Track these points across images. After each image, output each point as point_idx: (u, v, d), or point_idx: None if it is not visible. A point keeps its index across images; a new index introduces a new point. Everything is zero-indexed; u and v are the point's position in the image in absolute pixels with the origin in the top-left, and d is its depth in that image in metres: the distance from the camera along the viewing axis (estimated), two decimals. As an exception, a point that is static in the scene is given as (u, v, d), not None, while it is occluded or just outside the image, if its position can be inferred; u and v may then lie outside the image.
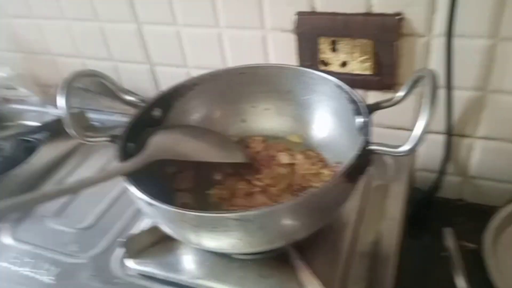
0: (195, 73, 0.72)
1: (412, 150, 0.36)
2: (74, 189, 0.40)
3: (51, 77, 0.87)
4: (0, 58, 0.89)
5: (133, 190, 0.38)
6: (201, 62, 0.73)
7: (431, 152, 0.66)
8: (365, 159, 0.39)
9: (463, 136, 0.63)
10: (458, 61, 0.55)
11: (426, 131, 0.36)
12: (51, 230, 0.57)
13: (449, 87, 0.57)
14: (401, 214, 0.51)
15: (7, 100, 0.85)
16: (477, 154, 0.64)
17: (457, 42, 0.54)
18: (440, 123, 0.61)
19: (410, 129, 0.63)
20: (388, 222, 0.50)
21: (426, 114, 0.36)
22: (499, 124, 0.60)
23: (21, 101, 0.84)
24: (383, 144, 0.39)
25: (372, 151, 0.39)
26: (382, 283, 0.44)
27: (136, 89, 0.83)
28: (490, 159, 0.63)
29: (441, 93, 0.58)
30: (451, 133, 0.62)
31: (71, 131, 0.44)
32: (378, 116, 0.63)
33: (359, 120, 0.44)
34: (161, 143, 0.47)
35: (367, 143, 0.39)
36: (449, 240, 0.48)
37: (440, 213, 0.67)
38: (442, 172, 0.65)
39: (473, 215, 0.65)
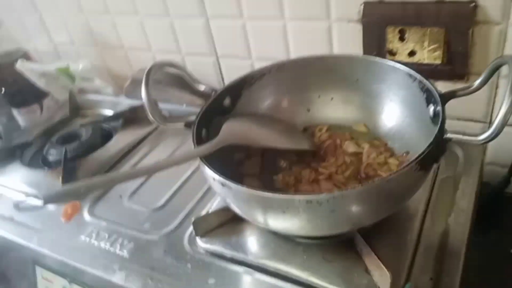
0: (259, 65, 0.74)
1: (492, 138, 0.35)
2: (154, 170, 0.43)
3: (123, 69, 0.92)
4: (77, 52, 0.96)
5: (209, 171, 0.41)
6: (265, 54, 0.74)
7: (503, 145, 0.63)
8: (440, 148, 0.39)
9: (539, 129, 0.59)
10: (537, 50, 0.53)
11: (507, 120, 0.35)
12: (127, 209, 0.61)
13: (526, 77, 0.54)
14: (471, 208, 0.49)
15: (84, 91, 0.92)
16: (554, 150, 0.60)
17: (537, 30, 0.51)
18: (514, 116, 0.59)
19: (481, 120, 0.61)
20: (457, 215, 0.48)
21: (508, 102, 0.35)
22: None
23: (97, 92, 0.91)
24: (461, 132, 0.38)
25: (448, 140, 0.38)
26: (450, 275, 0.43)
27: (202, 80, 0.88)
28: None
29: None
30: (527, 126, 0.59)
31: (151, 116, 0.47)
32: (449, 107, 0.62)
33: (433, 108, 0.43)
34: (232, 129, 0.49)
35: (443, 131, 0.39)
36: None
37: (509, 210, 0.64)
38: (514, 167, 0.62)
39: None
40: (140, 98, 0.48)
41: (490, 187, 0.67)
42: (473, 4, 0.54)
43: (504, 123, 0.35)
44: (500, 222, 0.63)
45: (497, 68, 0.40)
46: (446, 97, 0.43)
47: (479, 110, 0.60)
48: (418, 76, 0.47)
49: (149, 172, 0.47)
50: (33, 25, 0.98)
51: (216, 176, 0.40)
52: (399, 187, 0.38)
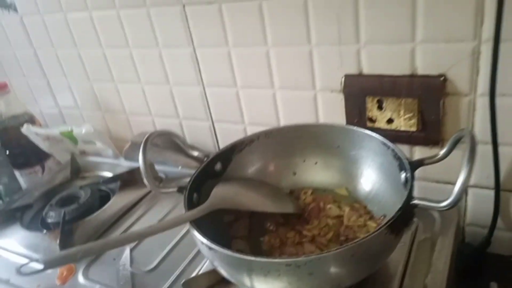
0: (251, 129, 0.79)
1: (453, 205, 0.39)
2: (146, 235, 0.46)
3: (124, 132, 0.98)
4: (81, 115, 1.02)
5: (198, 235, 0.44)
6: (257, 119, 0.79)
7: (481, 207, 0.66)
8: (408, 213, 0.42)
9: (512, 191, 0.63)
10: (503, 119, 0.57)
11: (465, 187, 0.39)
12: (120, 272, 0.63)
13: (495, 143, 0.59)
14: (447, 268, 0.51)
15: (86, 153, 0.96)
16: (529, 210, 0.63)
17: (500, 101, 0.56)
18: (489, 179, 0.62)
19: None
20: (434, 275, 0.51)
21: (465, 171, 0.39)
22: (548, 180, 0.60)
23: (98, 154, 0.95)
24: (426, 199, 0.42)
25: (415, 205, 0.42)
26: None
27: (198, 143, 0.93)
28: (543, 214, 0.63)
29: (488, 150, 0.60)
30: (500, 189, 0.62)
31: (147, 182, 0.51)
32: (428, 170, 0.65)
33: (404, 175, 0.47)
34: (221, 194, 0.53)
35: (411, 197, 0.42)
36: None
37: (491, 269, 0.66)
38: (492, 227, 0.65)
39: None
40: (138, 160, 0.52)
41: (472, 248, 0.69)
42: (443, 77, 0.59)
43: (463, 190, 0.38)
44: (483, 281, 0.64)
45: (458, 140, 0.45)
46: (414, 165, 0.47)
47: (455, 174, 0.64)
48: (391, 144, 0.51)
49: (142, 237, 0.50)
50: (40, 90, 1.05)
51: (204, 240, 0.43)
52: (371, 250, 0.41)
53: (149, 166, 0.52)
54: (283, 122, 0.76)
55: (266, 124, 0.76)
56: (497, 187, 0.62)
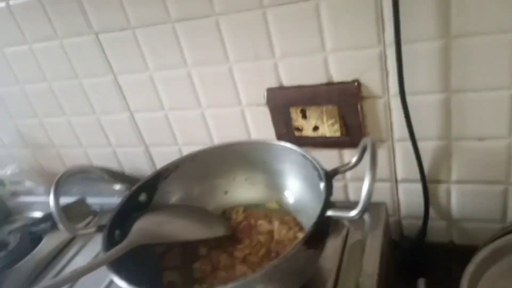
0: (186, 149, 0.78)
1: (362, 213, 0.40)
2: (68, 281, 0.44)
3: (57, 167, 0.94)
4: (8, 155, 0.97)
5: (118, 280, 0.42)
6: (190, 139, 0.79)
7: (413, 200, 0.68)
8: (324, 225, 0.43)
9: (438, 182, 0.66)
10: (417, 116, 0.60)
11: (370, 197, 0.40)
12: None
13: (413, 139, 0.61)
14: (376, 270, 0.53)
15: (15, 194, 0.92)
16: (455, 198, 0.66)
17: (411, 99, 0.59)
18: (415, 173, 0.65)
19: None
20: (364, 279, 0.52)
21: (368, 179, 0.40)
22: (469, 168, 0.63)
23: (29, 193, 0.91)
24: (338, 210, 0.42)
25: (328, 219, 0.42)
26: None
27: (135, 169, 0.90)
28: (469, 200, 0.66)
29: (409, 146, 0.62)
30: (426, 181, 0.65)
31: (61, 226, 0.49)
32: (358, 171, 0.67)
33: (322, 185, 0.48)
34: (143, 228, 0.51)
35: (324, 210, 0.43)
36: (421, 291, 0.49)
37: (432, 258, 0.69)
38: (426, 218, 0.68)
39: (463, 256, 0.66)
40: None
41: (410, 240, 0.72)
42: (357, 83, 0.61)
43: (368, 199, 0.39)
44: (424, 270, 0.66)
45: (364, 148, 0.46)
46: (330, 174, 0.48)
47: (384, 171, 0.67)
48: (309, 156, 0.52)
49: (66, 282, 0.47)
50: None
51: (126, 285, 0.41)
52: (296, 266, 0.41)
53: (76, 202, 0.50)
54: (216, 139, 0.76)
55: (200, 143, 0.76)
56: (423, 179, 0.65)
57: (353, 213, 0.39)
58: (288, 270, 0.40)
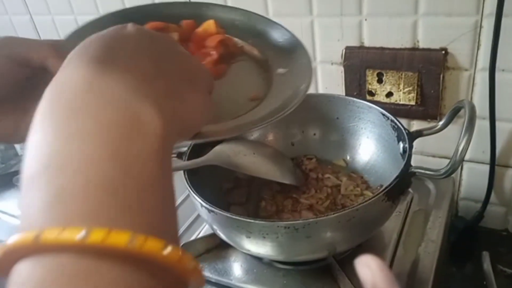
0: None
1: (450, 172, 0.39)
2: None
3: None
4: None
5: (197, 198, 0.44)
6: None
7: (476, 182, 0.67)
8: (405, 181, 0.43)
9: (507, 166, 0.64)
10: (501, 94, 0.58)
11: (463, 157, 0.39)
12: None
13: (492, 119, 0.59)
14: (440, 239, 0.53)
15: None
16: (522, 185, 0.64)
17: (499, 76, 0.57)
18: (485, 154, 0.63)
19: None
20: (427, 245, 0.52)
21: (463, 141, 0.39)
22: (542, 156, 0.61)
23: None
24: (423, 168, 0.42)
25: (413, 173, 0.42)
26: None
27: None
28: (535, 190, 0.64)
29: (485, 125, 0.60)
30: (495, 164, 0.63)
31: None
32: (425, 144, 0.66)
33: (402, 145, 0.48)
34: (222, 151, 0.52)
35: (409, 165, 0.43)
36: (487, 264, 0.49)
37: (483, 243, 0.68)
38: (486, 202, 0.66)
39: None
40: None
41: (465, 222, 0.71)
42: (444, 51, 0.59)
43: (461, 159, 0.39)
44: (475, 254, 0.66)
45: (457, 111, 0.45)
46: (413, 136, 0.47)
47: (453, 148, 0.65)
48: (390, 115, 0.52)
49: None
50: None
51: (204, 203, 0.43)
52: (368, 216, 0.42)
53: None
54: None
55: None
56: (493, 162, 0.63)
57: (442, 171, 0.39)
58: (363, 217, 0.41)
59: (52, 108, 0.20)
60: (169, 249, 0.17)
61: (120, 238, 0.16)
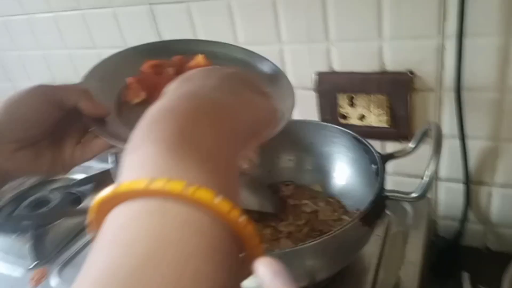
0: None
1: (422, 195, 0.40)
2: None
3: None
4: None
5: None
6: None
7: (453, 200, 0.68)
8: (380, 205, 0.43)
9: (481, 184, 0.65)
10: (469, 113, 0.59)
11: (432, 179, 0.40)
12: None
13: (462, 137, 0.60)
14: (419, 260, 0.52)
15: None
16: (497, 201, 0.65)
17: (467, 95, 0.58)
18: (459, 172, 0.64)
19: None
20: (407, 267, 0.52)
21: (432, 162, 0.40)
22: (515, 172, 0.62)
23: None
24: (396, 191, 0.42)
25: (386, 197, 0.42)
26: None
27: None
28: (511, 206, 0.64)
29: (456, 144, 0.61)
30: (469, 182, 0.64)
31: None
32: (400, 165, 0.66)
33: (375, 168, 0.48)
34: None
35: (382, 189, 0.43)
36: (466, 285, 0.49)
37: (465, 262, 0.68)
38: (464, 220, 0.67)
39: (498, 263, 0.65)
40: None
41: (445, 241, 0.71)
42: (411, 73, 0.61)
43: (431, 181, 0.39)
44: (457, 272, 0.66)
45: (425, 133, 0.46)
46: (385, 158, 0.47)
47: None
48: (362, 139, 0.52)
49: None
50: (5, 92, 1.01)
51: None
52: (346, 242, 0.42)
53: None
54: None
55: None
56: (467, 180, 0.64)
57: (414, 194, 0.39)
58: (340, 244, 0.40)
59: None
60: (219, 198, 0.20)
61: (177, 186, 0.20)
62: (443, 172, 0.67)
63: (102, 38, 0.81)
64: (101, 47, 0.82)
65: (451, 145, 0.63)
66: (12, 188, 0.85)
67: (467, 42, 0.55)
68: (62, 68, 0.90)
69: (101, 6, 0.77)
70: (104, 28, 0.79)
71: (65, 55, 0.87)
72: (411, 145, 0.48)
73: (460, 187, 0.65)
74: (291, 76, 0.69)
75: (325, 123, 0.58)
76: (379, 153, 0.48)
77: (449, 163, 0.65)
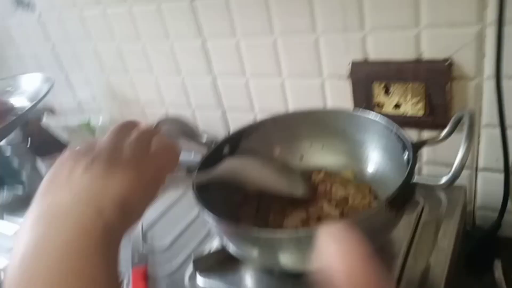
0: (261, 116, 0.81)
1: (451, 181, 0.40)
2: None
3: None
4: (99, 106, 1.06)
5: (207, 212, 0.46)
6: (266, 107, 0.81)
7: (492, 190, 0.66)
8: (409, 191, 0.43)
9: (522, 174, 0.63)
10: (510, 101, 0.58)
11: (463, 165, 0.39)
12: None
13: (503, 126, 0.59)
14: (451, 247, 0.52)
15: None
16: (538, 193, 0.63)
17: (507, 83, 0.57)
18: (499, 162, 0.63)
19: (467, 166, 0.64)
20: (438, 254, 0.52)
21: (463, 148, 0.40)
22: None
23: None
24: (425, 178, 0.43)
25: (415, 183, 0.43)
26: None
27: (210, 132, 0.94)
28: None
29: (496, 133, 0.60)
30: (509, 172, 0.62)
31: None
32: (436, 154, 0.66)
33: (407, 155, 0.48)
34: (230, 166, 0.54)
35: (411, 176, 0.44)
36: (498, 272, 0.48)
37: (502, 252, 0.66)
38: (503, 210, 0.65)
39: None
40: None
41: (482, 231, 0.70)
42: (448, 61, 0.60)
43: (461, 168, 0.39)
44: (492, 263, 0.65)
45: (459, 120, 0.46)
46: (417, 146, 0.48)
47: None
48: (394, 127, 0.52)
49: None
50: (59, 84, 1.09)
51: (213, 217, 0.45)
52: (373, 226, 0.42)
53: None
54: (292, 110, 0.78)
55: (276, 112, 0.78)
56: (507, 170, 0.62)
57: (443, 180, 0.40)
58: (368, 227, 0.41)
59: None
60: None
61: None
62: (482, 162, 0.65)
63: (146, 30, 0.85)
64: (145, 39, 0.86)
65: (491, 135, 0.62)
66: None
67: (508, 30, 0.53)
68: (111, 60, 0.95)
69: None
70: (149, 22, 0.83)
71: (113, 47, 0.92)
72: (444, 133, 0.48)
73: (500, 177, 0.64)
74: (326, 66, 0.70)
75: (357, 112, 0.59)
76: (411, 140, 0.49)
77: (489, 152, 0.64)
